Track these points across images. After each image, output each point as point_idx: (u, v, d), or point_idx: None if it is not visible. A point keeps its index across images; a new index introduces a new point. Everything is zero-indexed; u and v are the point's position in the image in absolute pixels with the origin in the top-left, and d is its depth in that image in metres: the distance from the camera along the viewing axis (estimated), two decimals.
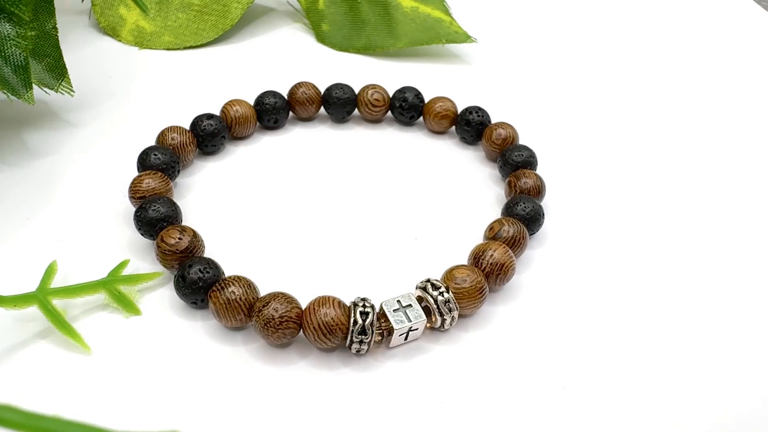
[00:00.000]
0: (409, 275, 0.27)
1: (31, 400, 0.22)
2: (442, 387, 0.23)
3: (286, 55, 0.40)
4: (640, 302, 0.27)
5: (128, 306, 0.25)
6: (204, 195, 0.30)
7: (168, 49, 0.40)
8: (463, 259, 0.28)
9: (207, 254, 0.27)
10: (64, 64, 0.32)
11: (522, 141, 0.34)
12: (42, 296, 0.23)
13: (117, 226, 0.28)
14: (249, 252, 0.28)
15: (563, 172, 0.33)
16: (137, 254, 0.27)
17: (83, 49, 0.39)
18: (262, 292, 0.25)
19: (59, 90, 0.32)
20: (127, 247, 0.27)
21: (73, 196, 0.30)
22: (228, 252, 0.28)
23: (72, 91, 0.32)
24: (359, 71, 0.39)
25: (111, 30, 0.40)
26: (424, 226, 0.29)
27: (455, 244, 0.29)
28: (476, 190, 0.32)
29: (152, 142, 0.33)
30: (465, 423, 0.22)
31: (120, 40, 0.40)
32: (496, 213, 0.30)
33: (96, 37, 0.40)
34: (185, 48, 0.40)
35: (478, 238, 0.29)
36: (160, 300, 0.26)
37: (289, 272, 0.27)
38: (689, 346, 0.25)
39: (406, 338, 0.24)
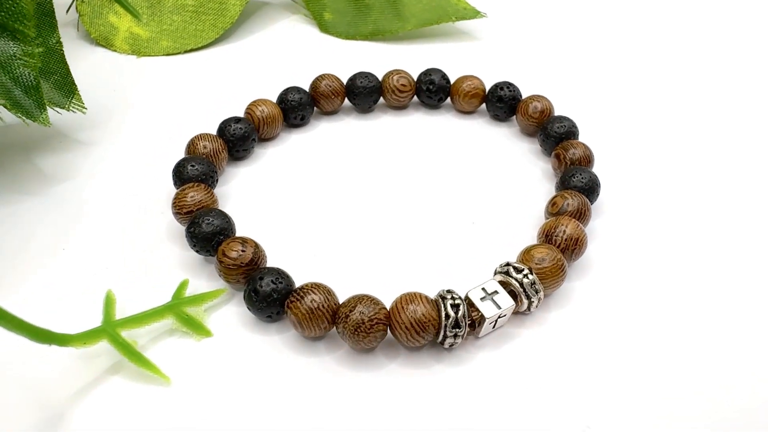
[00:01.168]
0: (474, 261, 0.26)
1: None
2: (538, 372, 0.23)
3: (290, 49, 0.39)
4: (710, 265, 0.26)
5: (198, 328, 0.23)
6: (244, 203, 0.29)
7: (168, 54, 0.38)
8: (528, 239, 0.27)
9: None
10: (73, 80, 0.30)
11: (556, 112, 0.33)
12: (110, 329, 0.22)
13: (160, 243, 0.27)
14: (304, 256, 0.27)
15: (602, 140, 0.32)
16: (189, 271, 0.26)
17: (78, 64, 0.36)
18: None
19: (70, 108, 0.30)
20: (178, 266, 0.26)
21: (104, 219, 0.28)
22: (283, 257, 0.26)
23: (84, 108, 0.30)
24: (369, 59, 0.38)
25: (104, 40, 0.38)
26: (477, 209, 0.29)
27: (514, 225, 0.28)
28: (520, 167, 0.31)
29: (171, 154, 0.31)
30: (568, 406, 0.21)
31: (115, 50, 0.38)
32: (547, 188, 0.30)
33: (88, 49, 0.38)
34: (186, 52, 0.38)
35: (535, 216, 0.28)
36: (227, 317, 0.24)
37: (348, 271, 0.26)
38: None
39: (494, 326, 0.23)
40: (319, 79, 0.33)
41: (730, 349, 0.23)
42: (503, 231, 0.28)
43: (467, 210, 0.29)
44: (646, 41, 0.40)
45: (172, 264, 0.26)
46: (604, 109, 0.34)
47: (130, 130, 0.32)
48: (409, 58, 0.38)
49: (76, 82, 0.35)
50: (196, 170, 0.27)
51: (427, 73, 0.33)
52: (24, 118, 0.27)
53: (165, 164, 0.30)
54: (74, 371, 0.22)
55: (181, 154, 0.31)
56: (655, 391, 0.22)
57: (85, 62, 0.37)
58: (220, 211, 0.25)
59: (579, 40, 0.40)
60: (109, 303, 0.23)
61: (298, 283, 0.24)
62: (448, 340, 0.22)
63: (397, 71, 0.33)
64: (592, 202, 0.28)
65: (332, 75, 0.33)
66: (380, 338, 0.22)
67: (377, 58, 0.38)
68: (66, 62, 0.30)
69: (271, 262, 0.26)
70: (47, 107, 0.29)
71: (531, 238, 0.27)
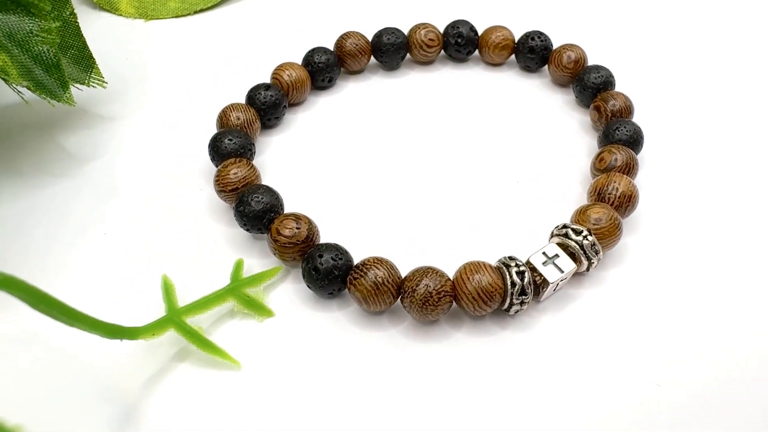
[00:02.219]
0: (525, 222, 0.26)
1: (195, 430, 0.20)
2: (603, 332, 0.23)
3: (307, 1, 0.37)
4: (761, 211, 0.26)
5: (260, 309, 0.23)
6: (282, 174, 0.28)
7: (177, 16, 0.36)
8: (575, 196, 0.27)
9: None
10: (91, 53, 0.29)
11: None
12: (177, 318, 0.21)
13: (204, 221, 0.26)
14: (352, 225, 0.26)
15: (640, 88, 0.32)
16: (238, 249, 0.25)
17: (84, 31, 0.34)
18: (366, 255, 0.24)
19: (90, 83, 0.29)
20: (226, 244, 0.25)
21: (141, 199, 0.27)
22: (331, 228, 0.26)
23: (104, 82, 0.29)
24: (389, 7, 0.37)
25: (107, 4, 0.36)
26: (519, 166, 0.28)
27: (559, 182, 0.28)
28: (557, 120, 0.30)
29: (199, 124, 0.30)
30: (635, 365, 0.22)
31: (121, 14, 0.36)
32: (587, 141, 0.29)
33: (93, 14, 0.36)
34: (195, 12, 0.36)
35: (580, 171, 0.28)
36: (286, 295, 0.24)
37: (399, 238, 0.26)
38: None
39: (555, 289, 0.23)
40: (344, 37, 0.32)
41: None
42: (549, 189, 0.27)
43: (510, 168, 0.28)
44: None
45: (220, 242, 0.25)
46: (638, 56, 0.34)
47: (151, 101, 0.31)
48: (432, 4, 0.37)
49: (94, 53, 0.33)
50: (234, 144, 0.26)
51: (455, 25, 0.32)
52: (49, 98, 0.26)
53: (194, 136, 0.29)
54: (141, 361, 0.22)
55: (208, 123, 0.30)
56: (721, 346, 0.22)
57: (90, 29, 0.35)
58: (268, 187, 0.25)
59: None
60: (168, 290, 0.23)
61: (353, 254, 0.24)
62: (514, 308, 0.22)
63: (424, 25, 0.32)
64: (636, 152, 0.28)
65: (357, 33, 0.32)
66: (447, 310, 0.22)
67: (398, 6, 0.37)
68: (82, 35, 0.28)
69: (320, 230, 0.26)
70: (70, 83, 0.28)
71: (578, 195, 0.27)
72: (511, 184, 0.28)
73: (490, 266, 0.22)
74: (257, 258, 0.25)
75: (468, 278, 0.22)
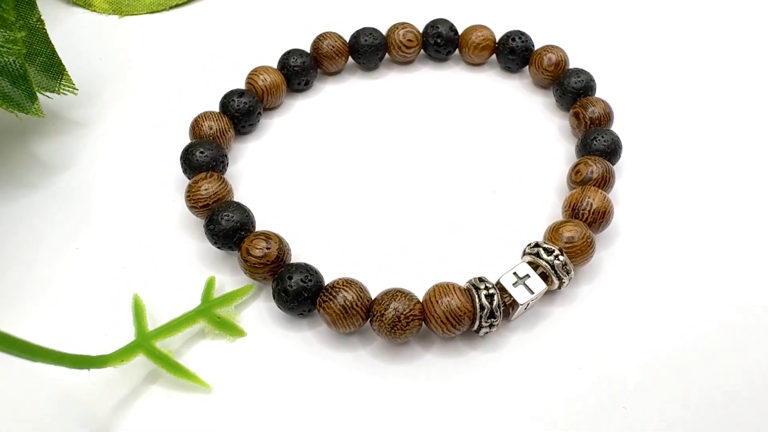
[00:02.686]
0: (499, 234, 0.26)
1: None
2: (573, 351, 0.23)
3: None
4: (736, 221, 0.26)
5: (231, 329, 0.23)
6: (255, 183, 0.28)
7: (152, 11, 0.35)
8: (551, 206, 0.27)
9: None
10: (60, 60, 0.28)
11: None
12: (146, 343, 0.22)
13: (177, 235, 0.26)
14: (323, 237, 0.26)
15: (620, 92, 0.31)
16: (210, 264, 0.25)
17: (56, 28, 0.34)
18: (337, 268, 0.25)
19: (60, 91, 0.28)
20: (198, 259, 0.25)
21: (114, 211, 0.27)
22: (302, 241, 0.26)
23: (75, 89, 0.28)
24: (363, 2, 0.36)
25: (81, 0, 0.35)
26: (496, 174, 0.28)
27: (536, 191, 0.27)
28: (536, 124, 0.30)
29: (173, 129, 0.29)
30: (605, 385, 0.22)
31: (94, 10, 0.35)
32: (566, 147, 0.29)
33: (65, 11, 0.35)
34: (171, 8, 0.35)
35: (557, 180, 0.28)
36: (258, 313, 0.24)
37: (371, 252, 0.26)
38: None
39: (526, 308, 0.23)
40: (321, 38, 0.31)
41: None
42: (525, 199, 0.27)
43: (486, 176, 0.28)
44: None
45: (192, 257, 0.25)
46: (622, 58, 0.33)
47: (125, 104, 0.31)
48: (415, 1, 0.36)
49: (57, 49, 0.33)
50: (206, 157, 0.26)
51: (434, 25, 0.31)
52: (16, 111, 0.26)
53: (169, 141, 0.29)
54: (112, 383, 0.22)
55: (182, 128, 0.29)
56: (694, 368, 0.22)
57: (62, 26, 0.34)
58: (238, 204, 0.24)
59: None
60: (139, 312, 0.23)
61: (324, 269, 0.24)
62: (483, 330, 0.22)
63: (402, 25, 0.31)
64: (613, 162, 0.27)
65: (334, 33, 0.31)
66: (416, 332, 0.22)
67: (379, 3, 0.36)
68: (50, 42, 0.28)
69: (291, 245, 0.25)
70: (39, 92, 0.27)
71: (554, 205, 0.27)
72: (487, 193, 0.27)
73: (459, 289, 0.22)
74: (230, 274, 0.25)
75: (437, 301, 0.22)
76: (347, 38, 0.31)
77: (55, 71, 0.28)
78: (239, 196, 0.27)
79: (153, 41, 0.34)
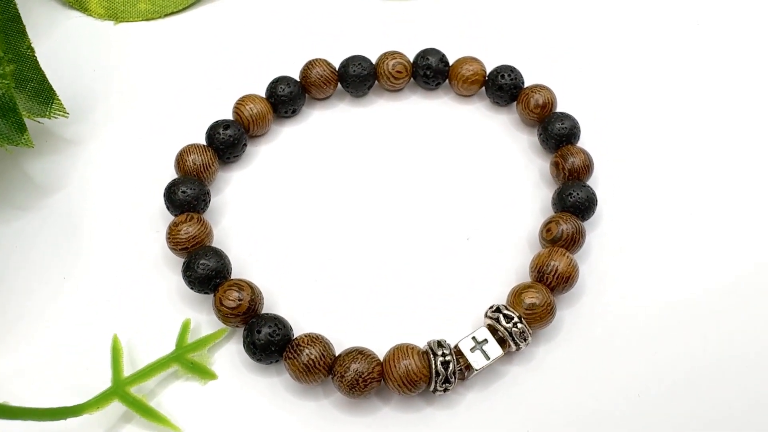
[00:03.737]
0: (469, 288, 0.27)
1: None
2: (528, 411, 0.24)
3: (281, 6, 0.36)
4: (709, 287, 0.27)
5: (203, 373, 0.24)
6: (237, 214, 0.29)
7: (147, 19, 0.35)
8: (523, 260, 0.27)
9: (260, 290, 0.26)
10: (50, 85, 0.29)
11: (560, 103, 0.31)
12: (120, 390, 0.23)
13: (159, 270, 0.27)
14: (298, 278, 0.27)
15: (605, 139, 0.31)
16: (191, 304, 0.26)
17: (51, 33, 0.34)
18: (318, 322, 0.26)
19: (51, 116, 0.29)
20: (177, 296, 0.27)
21: (103, 242, 0.28)
22: (275, 280, 0.27)
23: (66, 112, 0.29)
24: (368, 16, 0.35)
25: (77, 3, 0.35)
26: (473, 219, 0.28)
27: (510, 242, 0.28)
28: (519, 166, 0.30)
29: (166, 151, 0.30)
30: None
31: (90, 14, 0.35)
32: (545, 194, 0.29)
33: (62, 13, 0.35)
34: (165, 16, 0.35)
35: (532, 231, 0.28)
36: (230, 357, 0.25)
37: (339, 297, 0.27)
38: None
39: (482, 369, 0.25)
40: (310, 66, 0.31)
41: (729, 377, 0.24)
42: (499, 249, 0.28)
43: (463, 219, 0.29)
44: (671, 36, 0.37)
45: (173, 293, 0.27)
46: (615, 100, 0.32)
47: (115, 123, 0.31)
48: (411, 16, 0.35)
49: (52, 58, 0.33)
50: (188, 195, 0.27)
51: (424, 56, 0.31)
52: (5, 145, 0.26)
53: (155, 166, 0.30)
54: (86, 424, 0.24)
55: (171, 151, 0.30)
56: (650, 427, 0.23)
57: (57, 32, 0.34)
58: (215, 250, 0.25)
59: (607, 19, 0.37)
60: (116, 356, 0.24)
61: (295, 311, 0.25)
62: (438, 393, 0.24)
63: (392, 54, 0.31)
64: (587, 218, 0.28)
65: (323, 60, 0.31)
66: (374, 391, 0.23)
67: (376, 15, 0.35)
68: (41, 68, 0.28)
69: (265, 282, 0.26)
70: (30, 118, 0.28)
71: (526, 257, 0.27)
72: (461, 240, 0.28)
73: (417, 353, 0.23)
74: (207, 313, 0.26)
75: (395, 364, 0.23)
76: (337, 65, 0.31)
77: (45, 97, 0.29)
78: (221, 229, 0.28)
79: (146, 50, 0.34)
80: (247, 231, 0.28)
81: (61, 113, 0.29)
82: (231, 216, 0.29)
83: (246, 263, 0.27)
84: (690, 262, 0.27)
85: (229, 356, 0.25)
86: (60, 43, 0.34)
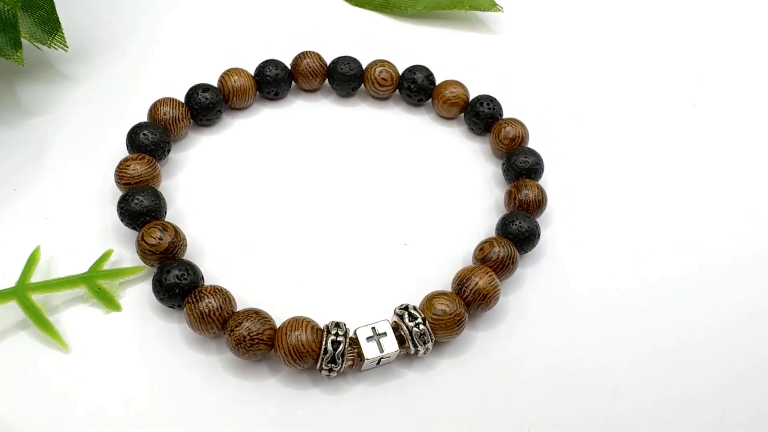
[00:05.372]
0: (394, 285, 0.27)
1: (3, 392, 0.23)
2: (412, 415, 0.23)
3: (295, 7, 0.38)
4: (633, 337, 0.26)
5: (109, 302, 0.25)
6: (194, 174, 0.30)
7: None
8: (451, 276, 0.27)
9: (189, 244, 0.27)
10: (57, 18, 0.30)
11: (533, 137, 0.32)
12: (21, 293, 0.24)
13: (104, 206, 0.28)
14: (233, 246, 0.27)
15: (574, 177, 0.31)
16: (122, 240, 0.27)
17: None
18: (241, 290, 0.25)
19: (52, 45, 0.31)
20: (111, 231, 0.27)
21: (63, 167, 0.29)
22: (210, 245, 0.27)
23: (66, 46, 0.31)
24: (372, 31, 0.37)
25: None
26: (416, 229, 0.29)
27: (446, 254, 0.28)
28: (477, 191, 0.30)
29: (148, 103, 0.31)
30: None
31: None
32: (492, 220, 0.29)
33: None
34: None
35: (470, 248, 0.28)
36: (141, 295, 0.26)
37: (269, 271, 0.27)
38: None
39: (378, 363, 0.24)
40: (301, 56, 0.32)
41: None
42: (432, 259, 0.28)
43: (406, 227, 0.29)
44: (671, 76, 0.37)
45: (107, 227, 0.27)
46: (592, 145, 0.33)
47: (113, 72, 0.33)
48: (412, 39, 0.37)
49: (74, 8, 0.35)
50: (148, 139, 0.28)
51: (412, 71, 0.32)
52: None
53: (136, 115, 0.31)
54: None
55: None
56: None
57: None
58: (153, 190, 0.26)
59: (598, 59, 0.37)
60: (30, 264, 0.25)
61: (222, 269, 0.26)
62: (324, 372, 0.23)
63: (381, 62, 0.32)
64: (528, 250, 0.27)
65: (315, 54, 0.32)
66: (261, 355, 0.23)
67: (379, 32, 0.37)
68: (52, 0, 0.30)
69: (194, 244, 0.27)
70: (31, 42, 0.30)
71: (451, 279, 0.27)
72: (399, 245, 0.28)
73: (313, 327, 0.23)
74: (134, 252, 0.27)
75: (288, 333, 0.23)
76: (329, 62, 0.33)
77: (50, 27, 0.30)
78: (175, 182, 0.29)
79: (163, 18, 0.36)
80: (196, 192, 0.29)
81: (62, 46, 0.31)
82: (187, 173, 0.30)
83: (187, 217, 0.28)
84: (613, 323, 0.27)
85: (140, 296, 0.26)
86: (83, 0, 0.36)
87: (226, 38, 0.36)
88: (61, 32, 0.31)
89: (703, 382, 0.25)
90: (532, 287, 0.27)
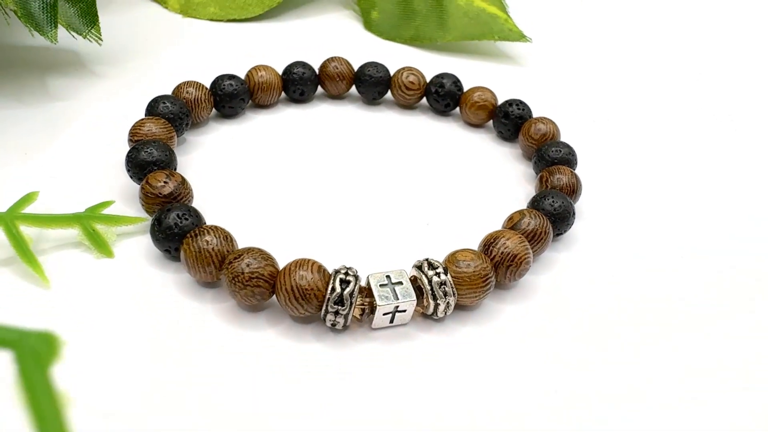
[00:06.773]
0: (410, 260, 0.24)
1: None
2: (422, 379, 0.20)
3: (329, 40, 0.39)
4: (665, 328, 0.23)
5: (101, 246, 0.23)
6: (210, 155, 0.29)
7: (212, 20, 0.39)
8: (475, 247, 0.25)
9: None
10: (96, 12, 0.31)
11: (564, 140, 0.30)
12: (9, 219, 0.22)
13: (113, 170, 0.27)
14: (244, 217, 0.26)
15: (607, 178, 0.29)
16: (127, 200, 0.26)
17: (127, 12, 0.38)
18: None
19: (87, 36, 0.31)
20: (118, 192, 0.26)
21: (78, 139, 0.28)
22: (221, 212, 0.26)
23: (100, 39, 0.31)
24: (403, 62, 0.37)
25: None
26: (438, 212, 0.27)
27: (468, 234, 0.25)
28: (504, 186, 0.28)
29: None
30: (439, 420, 0.19)
31: (166, 7, 0.39)
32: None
33: (143, 2, 0.40)
34: (229, 20, 0.39)
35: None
36: (138, 247, 0.24)
37: (283, 244, 0.24)
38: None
39: (391, 320, 0.21)
40: (330, 60, 0.32)
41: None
42: (454, 238, 0.25)
43: (427, 211, 0.27)
44: (693, 86, 0.36)
45: (113, 188, 0.26)
46: (624, 157, 0.31)
47: (142, 74, 0.33)
48: (441, 69, 0.37)
49: (117, 24, 0.37)
50: (167, 108, 0.27)
51: (440, 76, 0.32)
52: (32, 28, 0.29)
53: None
54: None
55: None
56: None
57: (132, 12, 0.38)
58: (164, 143, 0.25)
59: (625, 83, 0.37)
60: (25, 199, 0.23)
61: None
62: (329, 317, 0.20)
63: (409, 68, 0.32)
64: (560, 232, 0.25)
65: (343, 58, 0.32)
66: (259, 295, 0.21)
67: (409, 62, 0.37)
68: None
69: (204, 210, 0.25)
70: (68, 30, 0.31)
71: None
72: (421, 225, 0.26)
73: (319, 266, 0.21)
74: (137, 211, 0.25)
75: (291, 271, 0.20)
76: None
77: (89, 19, 0.31)
78: (189, 159, 0.28)
79: (200, 41, 0.37)
80: (209, 170, 0.28)
81: (96, 38, 0.31)
82: (202, 153, 0.29)
83: (195, 195, 0.26)
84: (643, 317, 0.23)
85: (136, 248, 0.24)
86: (128, 19, 0.38)
87: (251, 64, 0.36)
88: (98, 26, 0.31)
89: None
90: (565, 270, 0.24)
